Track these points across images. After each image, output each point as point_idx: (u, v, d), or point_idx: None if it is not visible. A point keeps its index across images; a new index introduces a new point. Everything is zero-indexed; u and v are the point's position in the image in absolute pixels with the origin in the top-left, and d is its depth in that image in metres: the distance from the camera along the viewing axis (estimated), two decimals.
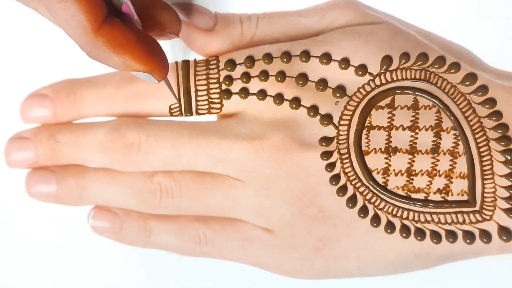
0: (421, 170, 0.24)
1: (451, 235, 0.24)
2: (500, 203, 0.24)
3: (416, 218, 0.24)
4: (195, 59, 0.27)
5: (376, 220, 0.25)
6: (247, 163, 0.25)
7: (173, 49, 0.28)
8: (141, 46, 0.21)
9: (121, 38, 0.21)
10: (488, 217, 0.24)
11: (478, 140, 0.24)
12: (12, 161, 0.28)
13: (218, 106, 0.26)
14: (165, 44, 0.28)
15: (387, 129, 0.25)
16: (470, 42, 0.26)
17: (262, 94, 0.26)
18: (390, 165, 0.25)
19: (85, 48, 0.21)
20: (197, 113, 0.27)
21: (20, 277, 0.30)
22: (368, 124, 0.25)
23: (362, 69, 0.25)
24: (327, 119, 0.25)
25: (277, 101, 0.26)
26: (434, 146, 0.24)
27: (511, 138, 0.24)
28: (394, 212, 0.25)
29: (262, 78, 0.26)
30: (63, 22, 0.20)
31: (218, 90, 0.26)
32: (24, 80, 0.29)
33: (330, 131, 0.25)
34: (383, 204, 0.25)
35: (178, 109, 0.27)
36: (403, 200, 0.25)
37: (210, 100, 0.26)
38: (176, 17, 0.24)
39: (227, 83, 0.26)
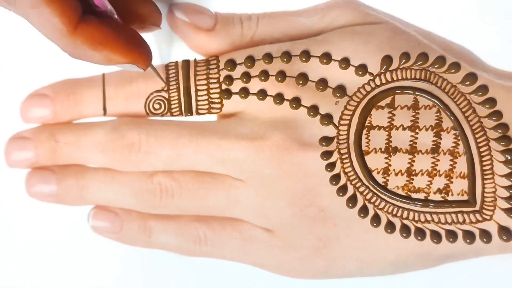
0: (421, 170, 0.24)
1: (451, 235, 0.24)
2: (500, 203, 0.24)
3: (416, 218, 0.24)
4: (195, 59, 0.27)
5: (376, 220, 0.25)
6: (247, 163, 0.25)
7: (173, 48, 0.28)
8: (120, 39, 0.22)
9: (98, 35, 0.21)
10: (488, 217, 0.24)
11: (478, 140, 0.24)
12: (12, 161, 0.28)
13: (218, 106, 0.26)
14: (164, 43, 0.28)
15: (387, 129, 0.25)
16: (470, 42, 0.26)
17: (262, 94, 0.26)
18: (390, 165, 0.25)
19: (66, 49, 0.21)
20: (197, 113, 0.27)
21: (20, 277, 0.30)
22: (368, 124, 0.25)
23: (362, 69, 0.25)
24: (327, 119, 0.25)
25: (277, 101, 0.26)
26: (434, 146, 0.24)
27: (511, 138, 0.24)
28: (394, 212, 0.25)
29: (262, 78, 0.26)
30: (39, 26, 0.21)
31: (218, 90, 0.26)
32: (24, 80, 0.29)
33: (330, 131, 0.25)
34: (383, 204, 0.25)
35: (178, 109, 0.27)
36: (403, 200, 0.25)
37: (210, 100, 0.26)
38: (155, 9, 0.25)
39: (227, 83, 0.26)
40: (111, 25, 0.22)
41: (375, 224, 0.25)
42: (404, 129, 0.25)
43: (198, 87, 0.26)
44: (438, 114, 0.25)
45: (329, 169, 0.25)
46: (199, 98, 0.26)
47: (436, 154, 0.24)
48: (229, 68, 0.26)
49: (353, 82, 0.25)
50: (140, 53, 0.22)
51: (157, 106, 0.27)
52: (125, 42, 0.22)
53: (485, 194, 0.24)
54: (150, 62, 0.23)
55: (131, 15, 0.24)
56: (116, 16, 0.23)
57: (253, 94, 0.26)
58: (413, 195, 0.25)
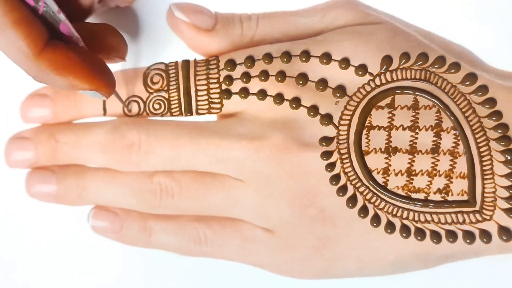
0: (421, 170, 0.24)
1: (451, 235, 0.24)
2: (500, 203, 0.24)
3: (416, 218, 0.24)
4: (195, 59, 0.27)
5: (376, 220, 0.25)
6: (247, 163, 0.25)
7: (173, 48, 0.28)
8: (84, 66, 0.22)
9: (63, 61, 0.21)
10: (488, 217, 0.24)
11: (478, 140, 0.24)
12: (12, 161, 0.28)
13: (218, 106, 0.26)
14: (164, 43, 0.28)
15: (387, 129, 0.25)
16: (470, 42, 0.26)
17: (262, 94, 0.26)
18: (390, 165, 0.25)
19: (30, 73, 0.21)
20: (197, 113, 0.27)
21: (20, 277, 0.30)
22: (368, 124, 0.25)
23: (362, 69, 0.25)
24: (327, 119, 0.25)
25: (277, 101, 0.26)
26: (434, 146, 0.24)
27: (511, 138, 0.24)
28: (394, 212, 0.25)
29: (262, 78, 0.26)
30: (4, 49, 0.21)
31: (218, 90, 0.26)
32: (24, 80, 0.29)
33: (330, 131, 0.25)
34: (383, 204, 0.25)
35: (178, 109, 0.27)
36: (403, 200, 0.25)
37: (210, 100, 0.26)
38: (122, 41, 0.25)
39: (227, 83, 0.26)
40: (77, 51, 0.22)
41: (375, 224, 0.25)
42: (404, 129, 0.25)
43: (198, 87, 0.26)
44: (438, 114, 0.25)
45: (329, 169, 0.25)
46: (199, 98, 0.26)
47: (436, 154, 0.24)
48: (229, 68, 0.26)
49: (353, 82, 0.25)
50: (104, 80, 0.23)
51: (157, 106, 0.27)
52: (89, 69, 0.22)
53: (485, 194, 0.24)
54: (113, 90, 0.23)
55: (98, 45, 0.24)
56: (81, 44, 0.23)
57: (253, 94, 0.26)
58: (413, 195, 0.25)
